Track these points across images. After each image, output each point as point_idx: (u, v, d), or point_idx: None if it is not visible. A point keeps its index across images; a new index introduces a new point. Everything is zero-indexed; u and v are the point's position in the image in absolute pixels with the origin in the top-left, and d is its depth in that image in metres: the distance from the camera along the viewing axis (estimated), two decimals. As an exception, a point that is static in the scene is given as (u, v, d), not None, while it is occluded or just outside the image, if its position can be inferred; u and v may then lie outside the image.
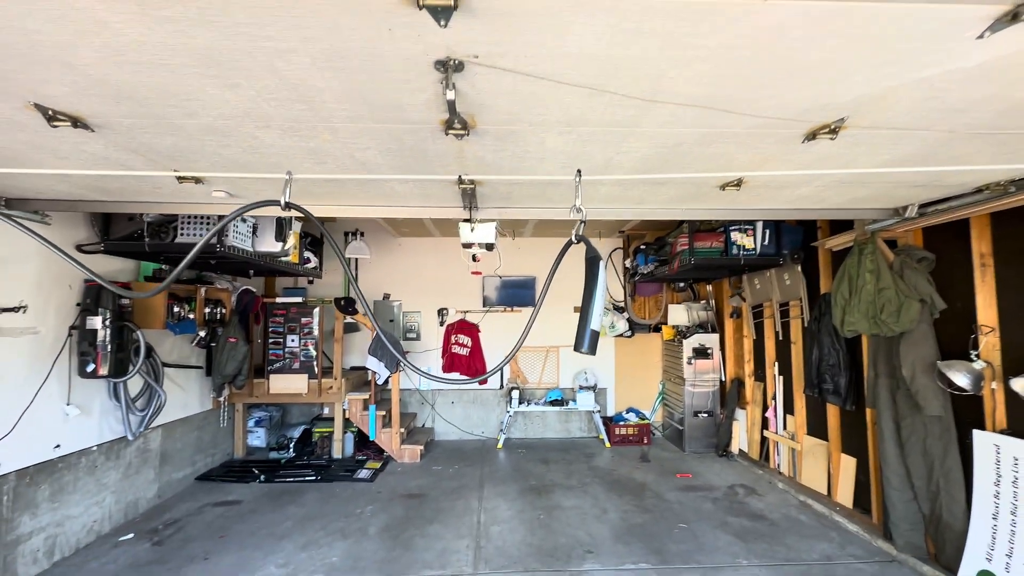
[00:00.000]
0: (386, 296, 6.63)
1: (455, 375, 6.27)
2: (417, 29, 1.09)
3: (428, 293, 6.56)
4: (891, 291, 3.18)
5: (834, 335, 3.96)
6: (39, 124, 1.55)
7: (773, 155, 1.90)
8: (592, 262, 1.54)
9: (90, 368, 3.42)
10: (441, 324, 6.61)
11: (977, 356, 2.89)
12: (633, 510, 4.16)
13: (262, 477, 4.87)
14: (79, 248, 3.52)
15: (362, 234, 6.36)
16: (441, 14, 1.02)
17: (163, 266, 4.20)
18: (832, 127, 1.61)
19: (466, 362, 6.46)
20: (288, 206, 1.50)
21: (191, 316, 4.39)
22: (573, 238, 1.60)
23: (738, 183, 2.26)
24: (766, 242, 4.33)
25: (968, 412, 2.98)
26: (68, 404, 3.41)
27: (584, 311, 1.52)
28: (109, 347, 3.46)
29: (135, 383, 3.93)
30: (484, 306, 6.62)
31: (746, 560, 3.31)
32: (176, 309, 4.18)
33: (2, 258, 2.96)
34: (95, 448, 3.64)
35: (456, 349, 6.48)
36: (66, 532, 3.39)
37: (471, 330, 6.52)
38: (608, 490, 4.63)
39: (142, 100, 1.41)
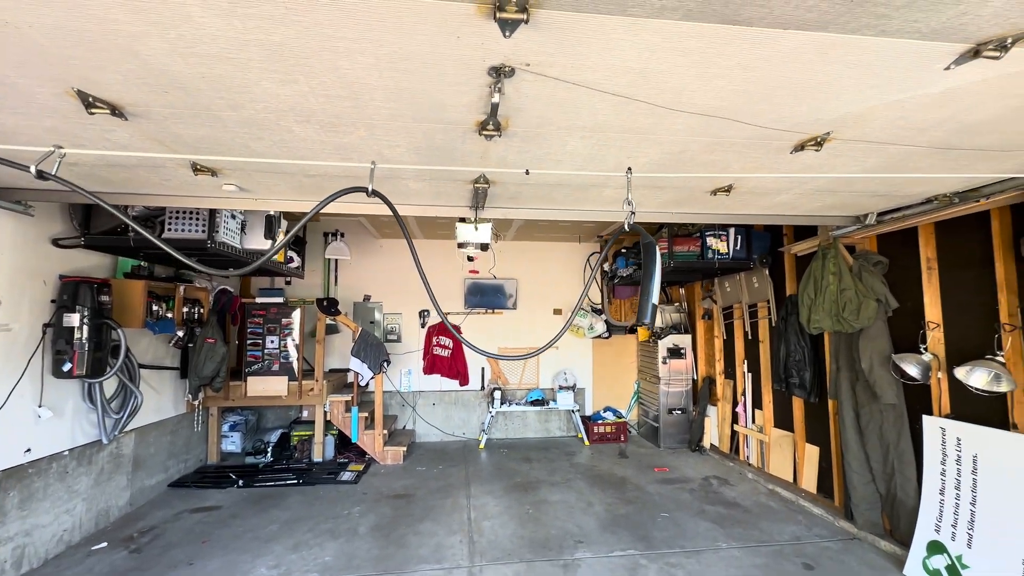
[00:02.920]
0: (366, 297, 6.58)
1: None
2: (482, 37, 1.20)
3: (409, 295, 6.57)
4: (851, 291, 3.52)
5: (800, 333, 4.30)
6: (73, 110, 1.54)
7: (764, 164, 2.13)
8: (648, 247, 1.73)
9: (66, 367, 3.26)
10: (423, 326, 6.62)
11: (926, 349, 3.26)
12: (617, 502, 4.33)
13: (240, 482, 4.73)
14: (56, 242, 3.36)
15: (342, 235, 6.32)
16: (509, 26, 1.13)
17: (142, 263, 4.05)
18: (819, 139, 1.84)
19: (448, 363, 6.50)
20: (374, 193, 1.57)
21: (170, 315, 4.23)
22: (626, 227, 1.76)
23: (728, 188, 2.48)
24: (738, 247, 4.66)
25: (918, 400, 3.34)
26: (40, 406, 3.23)
27: (645, 288, 1.70)
28: (87, 346, 3.32)
29: (110, 384, 3.77)
30: (466, 307, 6.68)
31: (725, 543, 3.54)
32: (155, 308, 4.03)
33: (-24, 250, 2.80)
34: (67, 453, 3.46)
35: (438, 351, 6.51)
36: (35, 542, 3.20)
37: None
38: (591, 484, 4.79)
39: (192, 91, 1.44)
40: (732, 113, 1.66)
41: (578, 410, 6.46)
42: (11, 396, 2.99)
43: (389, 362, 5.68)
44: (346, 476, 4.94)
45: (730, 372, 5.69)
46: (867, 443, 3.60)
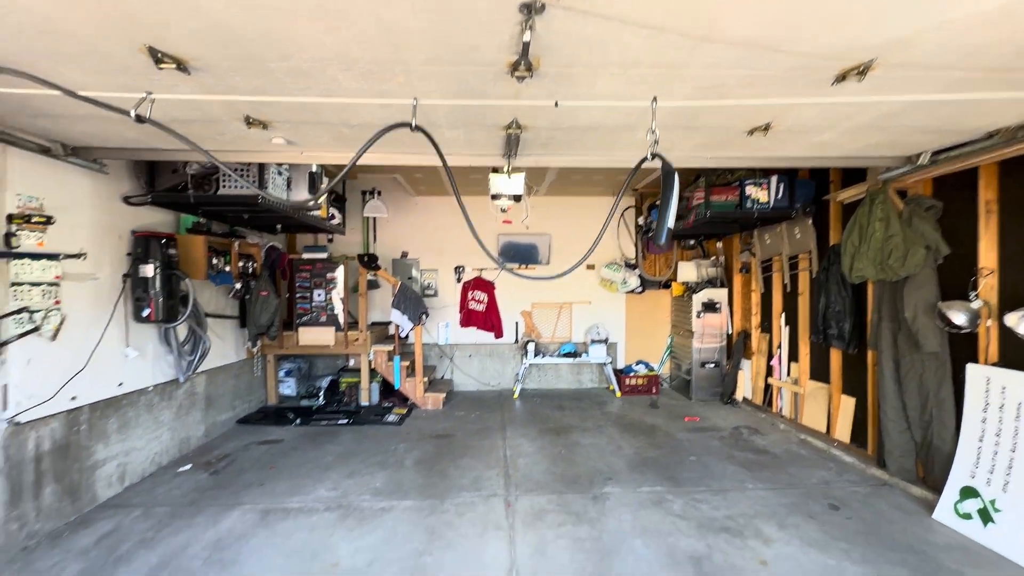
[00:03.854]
0: (404, 254, 6.83)
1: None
2: (513, -28, 1.24)
3: (445, 252, 6.75)
4: (898, 238, 3.39)
5: (841, 283, 4.19)
6: (144, 66, 1.70)
7: (803, 97, 2.06)
8: (668, 175, 1.78)
9: (145, 313, 3.65)
10: (458, 281, 6.83)
11: (976, 296, 3.13)
12: (646, 446, 4.51)
13: (298, 420, 5.21)
14: (126, 200, 3.68)
15: (379, 193, 6.51)
16: (538, -42, 1.17)
17: (201, 219, 4.36)
18: (861, 68, 1.77)
19: (482, 317, 6.73)
20: (417, 128, 1.67)
21: (227, 269, 4.59)
22: (648, 156, 1.80)
23: (766, 127, 2.41)
24: (779, 196, 4.50)
25: (961, 350, 3.25)
26: (127, 347, 3.66)
27: (663, 213, 1.76)
28: (160, 294, 3.68)
29: (182, 330, 4.18)
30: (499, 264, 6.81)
31: (752, 484, 3.66)
32: (215, 261, 4.38)
33: (63, 207, 3.13)
34: (151, 388, 3.92)
35: (473, 305, 6.73)
36: (133, 461, 3.72)
37: (487, 287, 6.75)
38: (621, 431, 4.98)
39: (247, 43, 1.55)
40: (769, 42, 1.62)
41: (610, 363, 6.60)
42: (103, 337, 3.40)
43: (427, 314, 5.95)
44: (391, 418, 5.33)
45: (766, 326, 5.62)
46: (905, 392, 3.56)
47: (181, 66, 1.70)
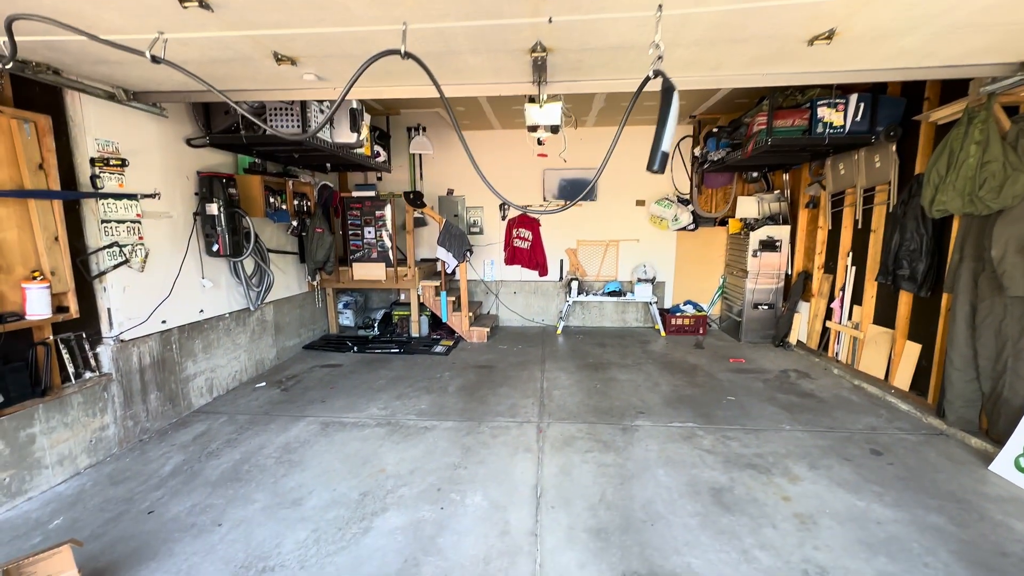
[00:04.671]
0: (450, 191, 6.87)
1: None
2: None
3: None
4: (997, 164, 2.91)
5: (920, 219, 3.73)
6: (171, 7, 1.76)
7: (875, -5, 1.73)
8: (667, 91, 1.64)
9: (215, 248, 4.04)
10: (503, 219, 6.83)
11: (1084, 232, 2.68)
12: (684, 384, 4.51)
13: (355, 348, 5.70)
14: (188, 142, 3.96)
15: (424, 129, 6.46)
16: None
17: (256, 159, 4.62)
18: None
19: (527, 255, 6.76)
20: (407, 55, 1.64)
21: (284, 207, 4.89)
22: (651, 73, 1.66)
23: (830, 34, 2.08)
24: (858, 117, 3.95)
25: (1058, 293, 2.85)
26: (203, 278, 4.10)
27: (658, 134, 1.66)
28: (226, 231, 4.03)
29: (248, 264, 4.60)
30: (545, 200, 6.70)
31: (789, 426, 3.59)
32: (272, 200, 4.68)
33: (136, 149, 3.43)
34: (227, 315, 4.43)
35: (518, 243, 6.76)
36: (218, 377, 4.30)
37: (532, 224, 6.70)
38: (661, 369, 4.98)
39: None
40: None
41: (656, 302, 6.47)
42: (182, 269, 3.83)
43: (472, 251, 6.08)
44: (438, 349, 5.68)
45: (831, 266, 5.19)
46: (979, 340, 3.23)
47: (203, 3, 1.74)
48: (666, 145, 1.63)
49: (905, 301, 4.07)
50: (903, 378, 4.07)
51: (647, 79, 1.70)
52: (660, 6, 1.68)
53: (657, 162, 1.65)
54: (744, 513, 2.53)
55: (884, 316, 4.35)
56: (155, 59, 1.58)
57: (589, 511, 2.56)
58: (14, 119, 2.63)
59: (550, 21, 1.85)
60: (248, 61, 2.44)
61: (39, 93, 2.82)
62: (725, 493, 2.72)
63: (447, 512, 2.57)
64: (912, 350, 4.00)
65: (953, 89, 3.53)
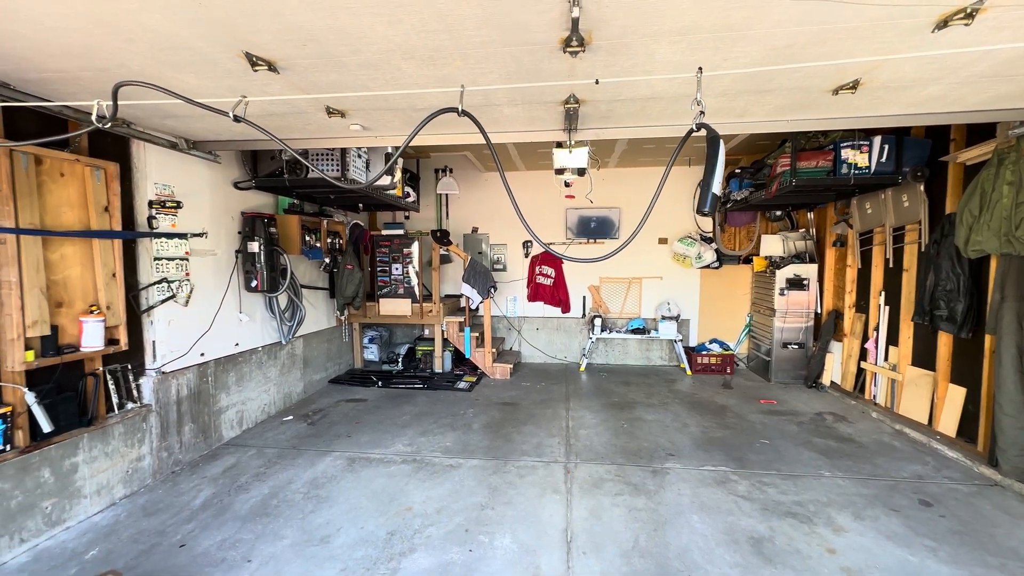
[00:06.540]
0: (474, 229, 7.06)
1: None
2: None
3: (514, 226, 6.87)
4: (1032, 205, 2.89)
5: (955, 259, 3.68)
6: (243, 70, 1.96)
7: (896, 50, 1.82)
8: (713, 141, 1.74)
9: (253, 284, 4.22)
10: (526, 256, 6.95)
11: None
12: (714, 426, 4.38)
13: (380, 383, 5.74)
14: (236, 185, 4.22)
15: (451, 170, 6.74)
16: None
17: (295, 200, 4.87)
18: (968, 10, 1.52)
19: (550, 292, 6.82)
20: (464, 113, 1.78)
21: (318, 244, 5.11)
22: (694, 126, 1.76)
23: (854, 85, 2.16)
24: (883, 159, 3.99)
25: (1112, 336, 2.74)
26: (240, 312, 4.27)
27: (707, 180, 1.75)
28: (264, 268, 4.22)
29: (282, 299, 4.77)
30: (567, 238, 6.81)
31: (828, 472, 3.44)
32: (307, 238, 4.89)
33: (189, 192, 3.68)
34: (260, 348, 4.56)
35: (541, 280, 6.84)
36: (248, 409, 4.38)
37: (555, 262, 6.80)
38: (689, 409, 4.87)
39: (323, 42, 1.73)
40: (846, -9, 1.46)
41: (681, 340, 6.40)
42: (222, 304, 4.00)
43: (496, 288, 6.17)
44: (461, 385, 5.68)
45: (862, 305, 5.09)
46: (1029, 384, 3.09)
47: (271, 67, 1.93)
48: (716, 188, 1.72)
49: (945, 342, 3.94)
50: (948, 423, 3.89)
51: (691, 131, 1.80)
52: (700, 68, 1.80)
53: (708, 204, 1.74)
54: (787, 565, 2.41)
55: (923, 357, 4.21)
56: (236, 119, 1.76)
57: (622, 558, 2.47)
58: (88, 167, 2.88)
59: (597, 83, 1.99)
60: (301, 114, 2.66)
61: (110, 143, 3.09)
62: (765, 543, 2.60)
63: (476, 555, 2.52)
64: (956, 394, 3.84)
65: (980, 130, 3.55)
